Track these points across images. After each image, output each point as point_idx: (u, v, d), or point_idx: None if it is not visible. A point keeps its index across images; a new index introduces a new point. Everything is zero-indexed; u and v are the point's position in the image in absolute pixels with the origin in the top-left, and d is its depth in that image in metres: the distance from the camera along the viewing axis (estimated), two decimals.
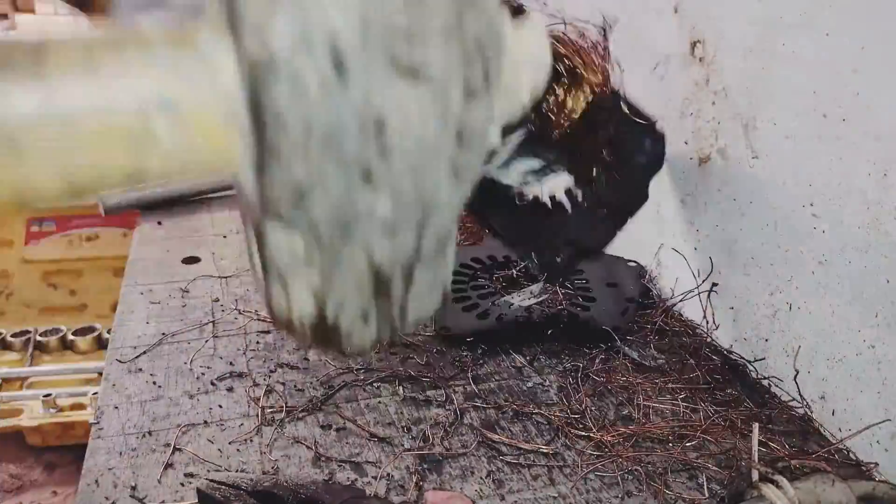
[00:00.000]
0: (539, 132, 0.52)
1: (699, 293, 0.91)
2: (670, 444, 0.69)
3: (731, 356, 0.85)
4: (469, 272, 1.03)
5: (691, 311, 0.93)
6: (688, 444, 0.69)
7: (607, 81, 0.56)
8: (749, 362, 0.82)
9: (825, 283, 0.72)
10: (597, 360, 0.84)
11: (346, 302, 0.32)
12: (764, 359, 0.81)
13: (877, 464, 0.67)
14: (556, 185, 0.60)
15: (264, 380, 0.79)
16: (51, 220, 2.39)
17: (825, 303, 0.72)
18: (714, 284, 0.89)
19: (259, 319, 0.92)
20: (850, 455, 0.69)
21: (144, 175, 0.28)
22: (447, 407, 0.75)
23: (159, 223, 1.25)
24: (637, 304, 0.93)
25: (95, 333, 2.17)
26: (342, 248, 0.30)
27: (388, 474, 0.65)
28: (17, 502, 1.83)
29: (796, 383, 0.76)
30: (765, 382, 0.80)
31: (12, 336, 2.16)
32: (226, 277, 1.04)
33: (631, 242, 1.07)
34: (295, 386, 0.78)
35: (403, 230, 0.31)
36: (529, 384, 0.80)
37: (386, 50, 0.27)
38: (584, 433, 0.71)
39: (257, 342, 0.87)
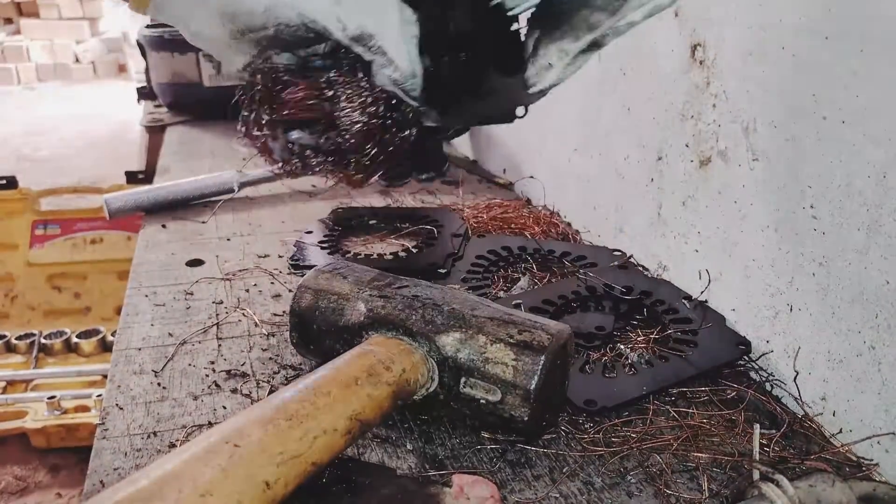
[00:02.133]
0: None
1: (698, 298, 0.91)
2: (671, 445, 0.70)
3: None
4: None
5: None
6: (688, 445, 0.70)
7: None
8: (750, 362, 0.83)
9: (825, 284, 0.72)
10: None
11: None
12: (764, 357, 0.82)
13: (877, 465, 0.67)
14: None
15: (268, 381, 0.80)
16: (55, 224, 2.40)
17: (825, 304, 0.72)
18: (704, 301, 0.90)
19: (261, 322, 0.92)
20: (851, 456, 0.69)
21: None
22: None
23: (163, 226, 1.26)
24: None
25: (100, 336, 2.18)
26: None
27: None
28: None
29: (797, 384, 0.76)
30: (766, 384, 0.80)
31: (17, 339, 2.17)
32: (229, 280, 1.05)
33: (633, 244, 1.08)
34: None
35: None
36: None
37: None
38: (586, 434, 0.72)
39: (261, 344, 0.88)
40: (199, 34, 0.68)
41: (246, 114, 0.72)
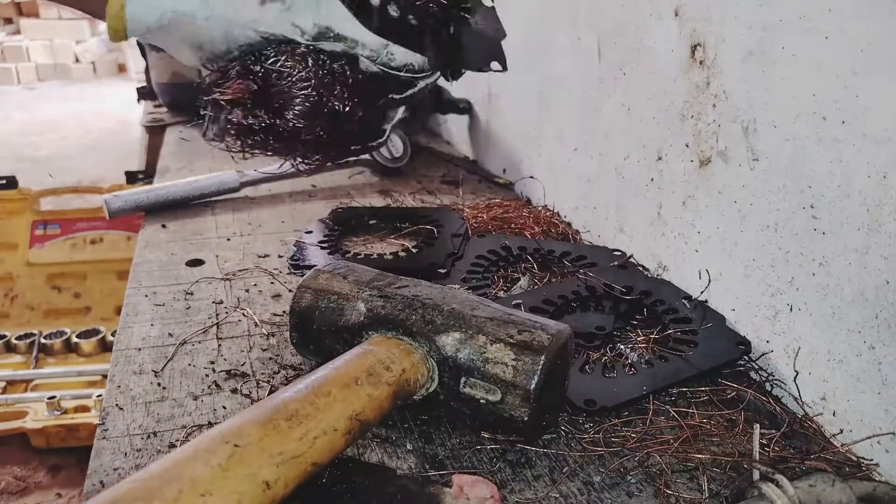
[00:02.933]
0: None
1: (698, 298, 0.91)
2: (671, 445, 0.70)
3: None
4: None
5: None
6: (688, 445, 0.70)
7: None
8: (750, 362, 0.83)
9: (825, 284, 0.72)
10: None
11: None
12: (764, 357, 0.82)
13: (877, 464, 0.67)
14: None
15: (268, 381, 0.80)
16: (55, 224, 2.40)
17: (825, 304, 0.72)
18: (704, 302, 0.90)
19: (261, 322, 0.92)
20: (851, 456, 0.69)
21: None
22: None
23: (163, 226, 1.26)
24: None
25: (99, 336, 2.18)
26: None
27: None
28: None
29: (797, 384, 0.76)
30: (766, 384, 0.80)
31: (17, 339, 2.17)
32: (229, 280, 1.05)
33: (633, 244, 1.08)
34: None
35: None
36: None
37: None
38: (586, 434, 0.72)
39: (261, 344, 0.88)
40: (180, 57, 0.74)
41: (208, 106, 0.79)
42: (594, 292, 0.95)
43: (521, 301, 0.91)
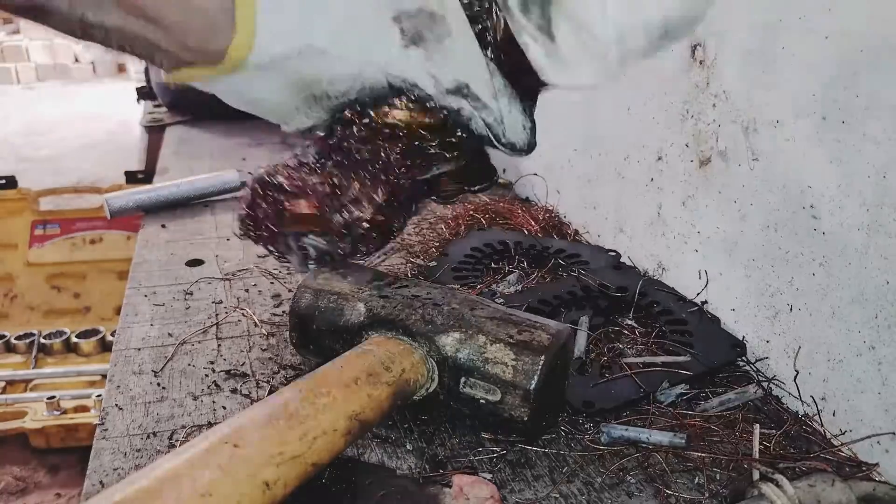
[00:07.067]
0: None
1: (697, 300, 0.91)
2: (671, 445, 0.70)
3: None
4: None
5: None
6: (689, 445, 0.70)
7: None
8: (749, 364, 0.83)
9: (825, 284, 0.72)
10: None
11: None
12: (765, 359, 0.82)
13: (877, 464, 0.67)
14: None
15: (268, 381, 0.80)
16: (55, 224, 2.40)
17: (825, 304, 0.72)
18: (704, 302, 0.90)
19: (261, 322, 0.92)
20: (851, 456, 0.69)
21: None
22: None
23: (163, 226, 1.26)
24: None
25: (99, 336, 2.18)
26: None
27: None
28: None
29: (797, 384, 0.76)
30: (766, 384, 0.80)
31: (16, 338, 2.17)
32: (229, 280, 1.05)
33: (632, 244, 1.08)
34: None
35: None
36: None
37: None
38: (585, 434, 0.72)
39: (260, 344, 0.88)
40: (257, 102, 0.62)
41: (250, 214, 0.72)
42: (589, 292, 0.95)
43: (502, 300, 0.92)
